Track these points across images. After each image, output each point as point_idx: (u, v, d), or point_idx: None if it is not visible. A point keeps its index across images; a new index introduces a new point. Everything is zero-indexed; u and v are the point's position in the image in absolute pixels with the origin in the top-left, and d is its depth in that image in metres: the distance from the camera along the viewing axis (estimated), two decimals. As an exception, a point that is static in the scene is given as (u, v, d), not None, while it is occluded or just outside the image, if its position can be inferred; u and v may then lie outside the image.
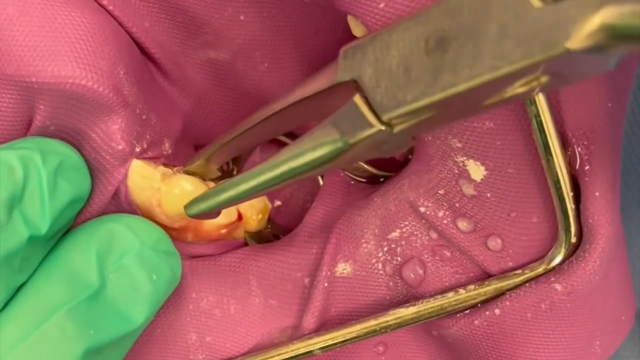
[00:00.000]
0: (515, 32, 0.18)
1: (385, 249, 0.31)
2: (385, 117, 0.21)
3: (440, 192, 0.29)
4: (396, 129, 0.21)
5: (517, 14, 0.18)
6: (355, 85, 0.22)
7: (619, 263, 0.29)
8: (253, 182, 0.25)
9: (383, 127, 0.21)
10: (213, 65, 0.32)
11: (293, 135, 0.37)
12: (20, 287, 0.26)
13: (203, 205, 0.27)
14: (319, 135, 0.23)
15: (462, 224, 0.29)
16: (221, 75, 0.32)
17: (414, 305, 0.30)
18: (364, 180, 0.36)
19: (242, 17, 0.30)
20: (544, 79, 0.19)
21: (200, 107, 0.33)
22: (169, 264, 0.28)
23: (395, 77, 0.21)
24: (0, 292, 0.25)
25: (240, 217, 0.32)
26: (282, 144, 0.37)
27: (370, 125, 0.22)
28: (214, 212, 0.28)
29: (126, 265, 0.27)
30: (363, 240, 0.31)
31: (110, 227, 0.28)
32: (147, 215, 0.30)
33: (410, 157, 0.34)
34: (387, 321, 0.30)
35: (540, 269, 0.28)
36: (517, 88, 0.19)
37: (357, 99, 0.22)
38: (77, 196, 0.27)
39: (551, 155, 0.26)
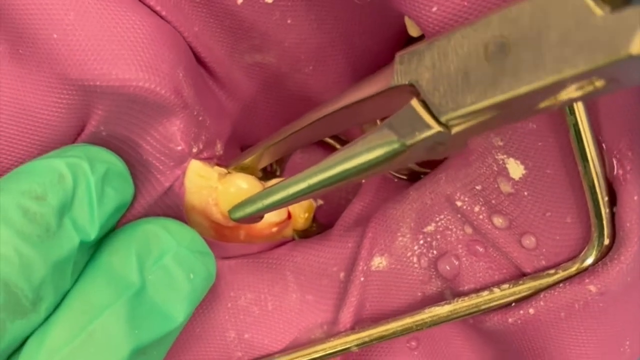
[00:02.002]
0: (577, 39, 0.19)
1: (421, 242, 0.32)
2: (443, 119, 0.22)
3: (477, 187, 0.30)
4: (454, 131, 0.22)
5: (579, 22, 0.19)
6: (411, 89, 0.23)
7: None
8: (304, 185, 0.26)
9: (441, 129, 0.22)
10: (259, 68, 0.32)
11: (337, 138, 0.37)
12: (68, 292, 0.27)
13: (249, 209, 0.28)
14: (375, 137, 0.24)
15: (498, 221, 0.30)
16: (267, 78, 0.33)
17: (449, 303, 0.30)
18: (405, 177, 0.37)
19: (289, 21, 0.30)
20: (599, 84, 0.19)
21: (246, 110, 0.34)
22: (204, 263, 0.29)
23: (454, 81, 0.22)
24: (51, 297, 0.25)
25: (289, 215, 0.33)
26: (324, 145, 0.38)
27: (429, 127, 0.22)
28: (257, 217, 0.28)
29: (165, 265, 0.27)
30: (399, 234, 0.32)
31: (147, 229, 0.28)
32: (203, 215, 0.30)
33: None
34: (422, 319, 0.31)
35: (573, 269, 0.29)
36: (572, 92, 0.20)
37: (415, 102, 0.23)
38: (122, 203, 0.28)
39: (587, 161, 0.27)
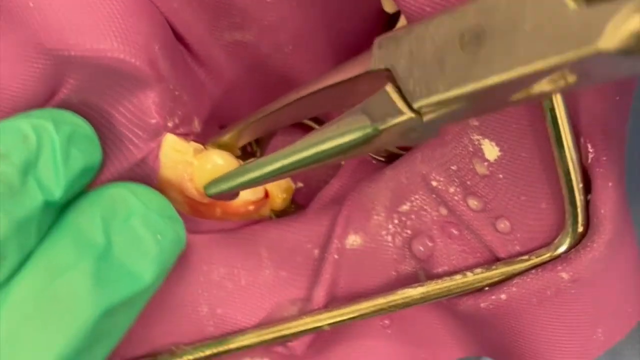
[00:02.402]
0: (549, 32, 0.19)
1: (396, 221, 0.32)
2: (416, 105, 0.22)
3: (452, 167, 0.30)
4: (425, 118, 0.22)
5: (552, 15, 0.19)
6: (387, 75, 0.23)
7: (626, 254, 0.30)
8: (278, 164, 0.26)
9: (413, 115, 0.22)
10: (238, 47, 0.32)
11: (317, 120, 0.37)
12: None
13: (224, 185, 0.27)
14: (349, 121, 0.24)
15: (473, 203, 0.30)
16: (246, 57, 0.33)
17: (422, 285, 0.31)
18: (383, 159, 0.37)
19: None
20: (571, 78, 0.19)
21: (225, 89, 0.34)
22: (173, 228, 0.29)
23: (429, 68, 0.21)
24: (15, 256, 0.25)
25: (267, 195, 0.33)
26: (305, 127, 0.38)
27: (401, 113, 0.22)
28: (232, 194, 0.28)
29: (131, 226, 0.27)
30: (374, 212, 0.32)
31: (114, 192, 0.28)
32: (178, 189, 0.30)
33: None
34: (395, 300, 0.31)
35: (546, 256, 0.29)
36: (544, 85, 0.20)
37: (389, 87, 0.23)
38: (89, 165, 0.28)
39: (563, 147, 0.27)
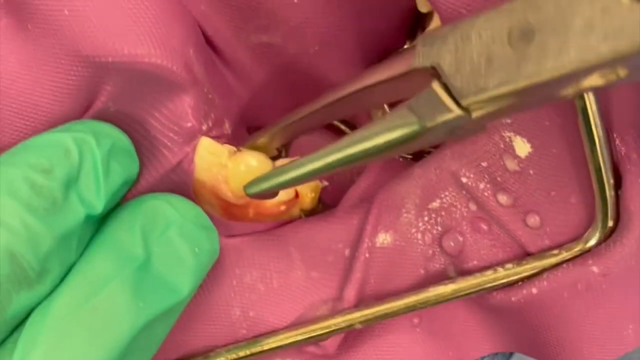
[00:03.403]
0: (602, 26, 0.19)
1: (426, 218, 0.32)
2: (464, 103, 0.22)
3: (483, 164, 0.30)
4: (474, 115, 0.22)
5: (604, 9, 0.19)
6: (433, 72, 0.23)
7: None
8: (320, 163, 0.26)
9: (462, 112, 0.22)
10: (265, 49, 0.32)
11: (344, 122, 0.38)
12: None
13: (264, 185, 0.27)
14: (395, 118, 0.24)
15: (502, 198, 0.30)
16: (273, 58, 0.33)
17: (453, 282, 0.31)
18: (410, 157, 0.37)
19: (295, 0, 0.30)
20: (623, 72, 0.20)
21: (253, 91, 0.34)
22: (209, 238, 0.29)
23: (476, 65, 0.22)
24: (56, 269, 0.25)
25: (297, 194, 0.33)
26: (331, 128, 0.38)
27: (450, 110, 0.22)
28: (272, 193, 0.28)
29: (170, 237, 0.28)
30: (404, 210, 0.32)
31: (152, 203, 0.28)
32: (213, 192, 0.30)
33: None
34: (427, 297, 0.31)
35: (577, 249, 0.30)
36: (595, 79, 0.20)
37: (436, 84, 0.23)
38: (128, 178, 0.28)
39: (594, 144, 0.28)
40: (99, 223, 0.28)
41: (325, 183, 0.33)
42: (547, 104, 0.28)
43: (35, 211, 0.24)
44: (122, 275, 0.26)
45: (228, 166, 0.29)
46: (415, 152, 0.37)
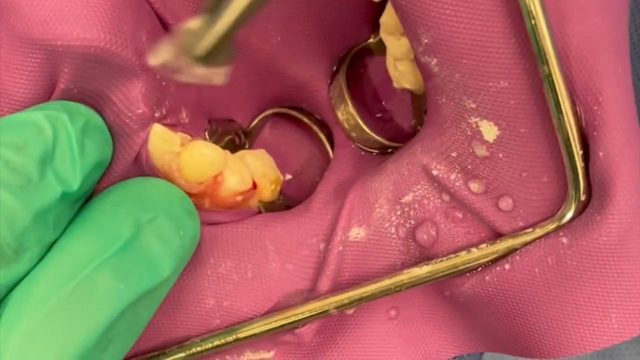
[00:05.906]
0: None
1: (399, 212, 0.32)
2: None
3: (452, 154, 0.30)
4: None
5: None
6: None
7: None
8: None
9: None
10: (227, 38, 0.33)
11: (310, 116, 0.38)
12: (52, 245, 0.27)
13: (206, 41, 0.26)
14: None
15: (474, 186, 0.30)
16: (234, 47, 0.33)
17: (428, 264, 0.31)
18: (373, 151, 0.37)
19: None
20: None
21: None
22: (192, 223, 0.29)
23: None
24: (34, 248, 0.26)
25: (254, 185, 0.33)
26: (295, 121, 0.38)
27: None
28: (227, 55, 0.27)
29: (156, 218, 0.28)
30: (376, 205, 0.32)
31: (137, 187, 0.29)
32: (167, 179, 0.30)
33: (419, 128, 0.35)
34: (401, 280, 0.31)
35: (552, 227, 0.29)
36: None
37: None
38: (103, 157, 0.28)
39: (562, 113, 0.27)
40: (75, 204, 0.28)
41: (289, 176, 0.33)
42: (505, 76, 0.27)
43: (10, 187, 0.24)
44: (105, 256, 0.26)
45: (181, 154, 0.29)
46: (380, 146, 0.37)
